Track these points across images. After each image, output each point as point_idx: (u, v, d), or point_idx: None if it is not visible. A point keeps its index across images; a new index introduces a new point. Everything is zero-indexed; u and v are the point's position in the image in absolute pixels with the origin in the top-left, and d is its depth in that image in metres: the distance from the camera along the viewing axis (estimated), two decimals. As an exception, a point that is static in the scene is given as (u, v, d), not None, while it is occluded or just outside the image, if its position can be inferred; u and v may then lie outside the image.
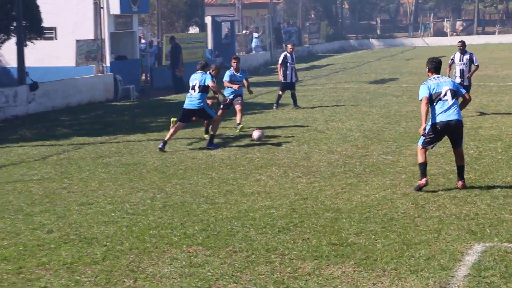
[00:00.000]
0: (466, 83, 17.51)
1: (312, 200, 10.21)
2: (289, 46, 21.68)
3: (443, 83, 10.50)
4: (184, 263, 7.71)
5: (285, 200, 10.27)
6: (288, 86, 20.88)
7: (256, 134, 15.45)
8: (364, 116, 18.60)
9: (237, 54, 37.46)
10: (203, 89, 14.81)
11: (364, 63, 39.47)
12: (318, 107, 20.96)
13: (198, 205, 10.19)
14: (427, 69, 10.80)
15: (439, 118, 10.40)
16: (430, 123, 10.54)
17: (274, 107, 20.76)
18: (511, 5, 68.60)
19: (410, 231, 8.51)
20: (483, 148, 13.43)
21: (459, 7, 68.53)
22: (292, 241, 8.30)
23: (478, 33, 57.50)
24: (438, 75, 10.68)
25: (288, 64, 20.78)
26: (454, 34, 59.14)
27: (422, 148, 10.58)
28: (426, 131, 10.52)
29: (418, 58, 41.64)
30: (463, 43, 18.13)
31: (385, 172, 11.89)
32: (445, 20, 65.35)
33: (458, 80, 17.40)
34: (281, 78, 20.81)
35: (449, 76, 17.57)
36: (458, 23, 64.37)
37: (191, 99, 14.86)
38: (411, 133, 15.52)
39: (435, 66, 10.76)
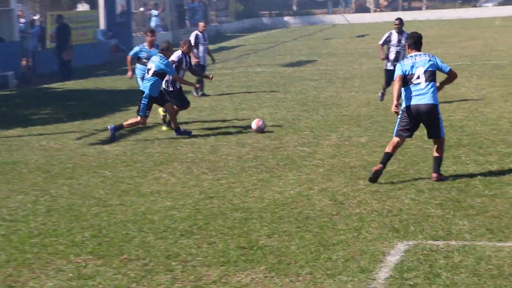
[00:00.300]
0: None
1: (219, 199, 10.27)
2: (201, 24, 21.87)
3: (418, 63, 10.70)
4: (71, 275, 7.63)
5: (188, 200, 10.29)
6: (202, 68, 20.92)
7: (258, 124, 15.04)
8: (278, 104, 18.81)
9: (134, 35, 37.19)
10: (157, 75, 14.72)
11: (279, 43, 39.86)
12: (227, 94, 21.06)
13: (89, 208, 10.09)
14: (407, 46, 11.07)
15: (409, 102, 10.66)
16: (402, 107, 10.78)
17: (195, 94, 20.84)
18: (439, -22, 70.51)
19: (328, 230, 8.68)
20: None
21: (383, -20, 70.03)
22: (196, 246, 8.33)
23: (403, 9, 58.93)
24: (417, 53, 10.87)
25: (200, 44, 20.90)
26: (378, 10, 60.45)
27: (398, 139, 10.80)
28: (399, 116, 10.78)
29: (338, 37, 42.37)
30: (401, 21, 17.73)
31: (300, 165, 12.07)
32: (368, -6, 66.67)
33: (390, 66, 17.32)
34: (196, 60, 20.79)
35: (383, 58, 17.92)
36: (382, -3, 65.76)
37: (144, 81, 14.96)
38: (330, 122, 15.80)
39: (414, 41, 10.95)
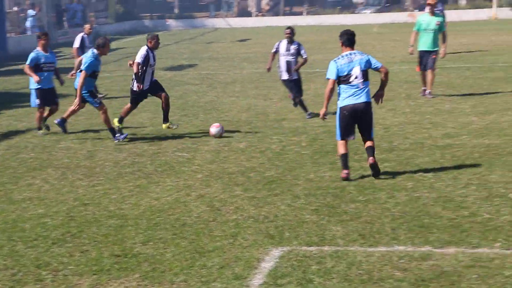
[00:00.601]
0: (295, 77, 16.84)
1: (94, 206, 10.17)
2: (87, 26, 21.72)
3: (355, 63, 10.97)
4: None
5: (62, 207, 10.15)
6: None
7: (215, 130, 14.71)
8: (157, 108, 18.64)
9: (8, 35, 36.25)
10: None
11: (160, 47, 39.57)
12: (106, 98, 20.81)
13: (-44, 216, 9.81)
14: (340, 43, 11.22)
15: (346, 102, 10.96)
16: (338, 107, 11.12)
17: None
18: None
19: (204, 237, 8.73)
20: (287, 142, 14.03)
21: (265, -15, 70.88)
22: (68, 254, 8.24)
23: (285, 14, 59.81)
24: (351, 51, 11.10)
25: (86, 47, 20.75)
26: (260, 14, 61.10)
27: (343, 142, 11.14)
28: (337, 119, 11.11)
29: (220, 41, 42.59)
30: (292, 31, 16.88)
31: (179, 171, 12.08)
32: (250, -2, 67.32)
33: (284, 75, 16.82)
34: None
35: (269, 68, 17.77)
36: (264, 2, 66.53)
37: (76, 78, 14.74)
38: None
39: (348, 38, 11.17)
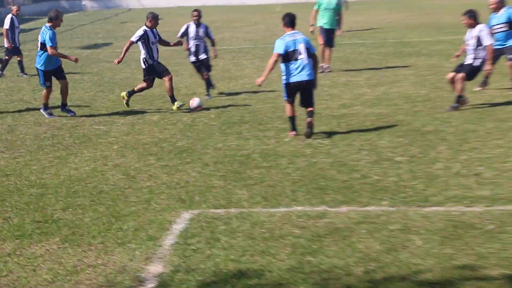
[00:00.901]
0: (202, 57, 16.08)
1: (16, 177, 10.11)
2: (15, 8, 21.42)
3: (299, 40, 11.55)
4: None
5: (-16, 179, 10.04)
6: (17, 51, 20.73)
7: (196, 102, 14.55)
8: (75, 85, 18.53)
9: None
10: (44, 46, 14.07)
11: (76, 26, 39.04)
12: (29, 75, 20.47)
13: None
14: (283, 24, 11.79)
15: (293, 79, 11.52)
16: (284, 82, 11.68)
17: None
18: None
19: (120, 203, 8.81)
20: (197, 115, 14.14)
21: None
22: (-9, 222, 8.21)
23: (196, -5, 59.25)
24: (294, 31, 11.69)
25: (16, 28, 20.71)
26: (172, -4, 60.44)
27: (288, 102, 11.76)
28: (284, 87, 11.69)
29: (133, 21, 42.04)
30: (199, 13, 16.21)
31: (96, 143, 12.07)
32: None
33: (192, 58, 16.20)
34: (9, 44, 20.43)
35: (188, 49, 17.10)
36: (175, -16, 65.83)
37: (37, 56, 14.39)
38: (125, 101, 15.79)
39: (290, 19, 11.77)
